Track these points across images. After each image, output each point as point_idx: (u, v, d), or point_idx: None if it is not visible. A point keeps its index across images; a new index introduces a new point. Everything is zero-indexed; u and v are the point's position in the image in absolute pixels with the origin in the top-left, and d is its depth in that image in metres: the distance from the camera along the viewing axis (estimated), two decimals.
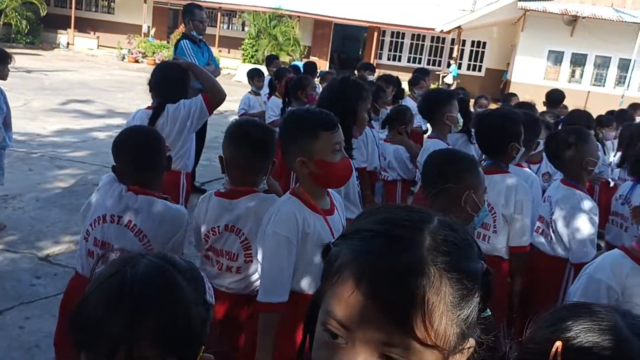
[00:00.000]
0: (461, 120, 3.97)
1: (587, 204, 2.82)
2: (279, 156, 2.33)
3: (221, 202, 2.31)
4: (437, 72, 22.03)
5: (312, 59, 20.51)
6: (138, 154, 2.32)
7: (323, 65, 22.39)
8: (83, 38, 26.05)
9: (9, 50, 5.10)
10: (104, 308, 0.90)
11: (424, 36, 24.69)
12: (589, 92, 21.18)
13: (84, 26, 26.17)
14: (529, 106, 5.02)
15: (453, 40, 23.39)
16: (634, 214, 3.31)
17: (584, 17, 20.53)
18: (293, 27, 22.32)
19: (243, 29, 24.24)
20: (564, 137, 2.97)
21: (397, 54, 25.34)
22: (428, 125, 5.02)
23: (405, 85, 7.19)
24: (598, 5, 21.04)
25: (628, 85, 19.72)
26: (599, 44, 21.06)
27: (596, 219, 2.82)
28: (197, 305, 0.96)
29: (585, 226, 2.78)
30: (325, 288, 0.75)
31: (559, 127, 4.68)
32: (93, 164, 6.91)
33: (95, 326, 0.89)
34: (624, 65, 20.89)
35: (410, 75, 7.46)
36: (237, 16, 24.89)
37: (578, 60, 22.28)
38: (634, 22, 19.94)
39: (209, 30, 7.25)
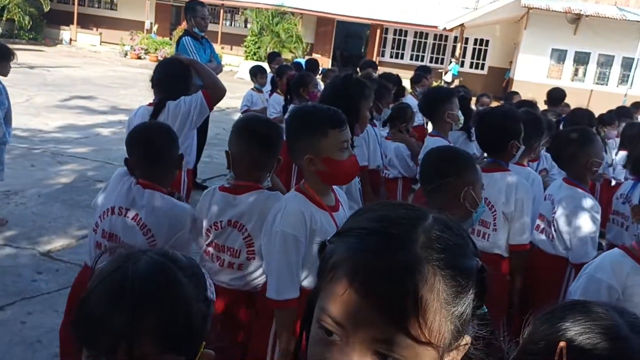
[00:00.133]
0: (462, 118, 3.96)
1: (590, 202, 2.82)
2: (282, 152, 2.33)
3: (225, 196, 2.30)
4: (440, 70, 21.99)
5: (315, 56, 20.44)
6: (149, 148, 2.34)
7: (325, 62, 22.37)
8: (86, 34, 26.07)
9: (11, 46, 5.11)
10: (105, 304, 0.90)
11: (427, 34, 24.64)
12: (592, 90, 21.10)
13: (86, 22, 26.19)
14: (530, 104, 5.01)
15: (456, 38, 23.34)
16: (634, 212, 3.30)
17: (587, 16, 20.47)
18: (295, 24, 22.28)
19: (245, 26, 24.19)
20: (569, 137, 2.97)
21: (400, 51, 25.29)
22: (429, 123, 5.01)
23: (407, 83, 7.19)
24: (601, 4, 20.98)
25: (631, 84, 19.66)
26: (602, 43, 21.00)
27: (598, 217, 2.81)
28: (198, 301, 0.97)
29: (587, 225, 2.78)
30: (320, 285, 0.75)
31: (560, 126, 4.67)
32: (95, 160, 6.93)
33: (96, 322, 0.90)
34: (627, 64, 20.86)
35: (412, 73, 7.45)
36: (240, 13, 24.86)
37: (581, 59, 22.21)
38: (637, 21, 19.89)
39: (211, 27, 7.24)
